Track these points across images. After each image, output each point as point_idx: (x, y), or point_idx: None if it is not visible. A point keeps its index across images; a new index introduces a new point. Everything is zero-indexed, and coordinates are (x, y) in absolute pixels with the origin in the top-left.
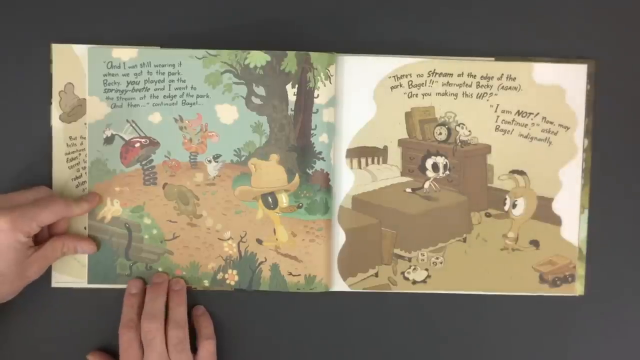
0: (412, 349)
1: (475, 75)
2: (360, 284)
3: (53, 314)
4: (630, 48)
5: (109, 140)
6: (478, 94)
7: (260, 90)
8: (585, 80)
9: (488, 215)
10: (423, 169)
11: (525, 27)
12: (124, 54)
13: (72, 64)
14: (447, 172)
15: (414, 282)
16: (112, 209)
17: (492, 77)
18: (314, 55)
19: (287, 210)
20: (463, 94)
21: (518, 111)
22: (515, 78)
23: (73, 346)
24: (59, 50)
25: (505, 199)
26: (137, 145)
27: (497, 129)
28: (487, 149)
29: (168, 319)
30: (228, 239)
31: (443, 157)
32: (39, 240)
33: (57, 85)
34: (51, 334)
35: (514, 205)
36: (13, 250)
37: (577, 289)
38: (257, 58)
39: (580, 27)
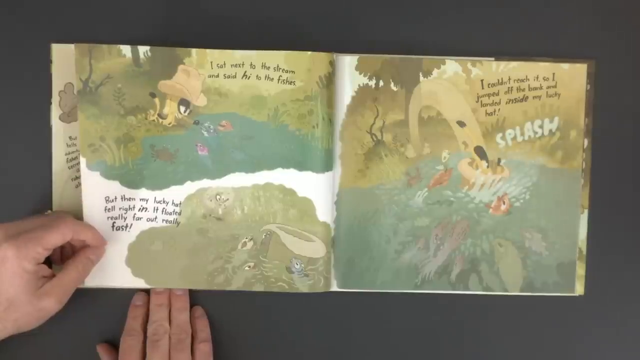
0: (411, 349)
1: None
2: None
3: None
4: (630, 48)
5: None
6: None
7: None
8: (585, 80)
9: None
10: None
11: (525, 27)
12: None
13: (72, 64)
14: None
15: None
16: None
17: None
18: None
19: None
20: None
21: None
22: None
23: (72, 346)
24: (59, 50)
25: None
26: None
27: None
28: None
29: (171, 322)
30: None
31: None
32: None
33: (57, 85)
34: (50, 334)
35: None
36: (20, 278)
37: (577, 289)
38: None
39: (580, 27)
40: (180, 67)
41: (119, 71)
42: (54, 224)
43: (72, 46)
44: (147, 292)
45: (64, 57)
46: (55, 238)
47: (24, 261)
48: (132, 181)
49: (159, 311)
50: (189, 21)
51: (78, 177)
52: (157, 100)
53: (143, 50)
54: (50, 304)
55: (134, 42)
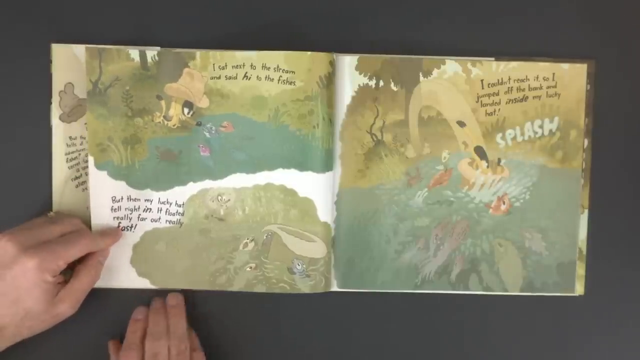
0: (411, 349)
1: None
2: None
3: None
4: (630, 48)
5: None
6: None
7: None
8: (585, 80)
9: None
10: None
11: (525, 27)
12: None
13: (72, 64)
14: None
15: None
16: None
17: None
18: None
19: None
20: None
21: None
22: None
23: (76, 346)
24: (59, 50)
25: None
26: None
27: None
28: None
29: (169, 332)
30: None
31: None
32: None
33: (57, 85)
34: (54, 334)
35: None
36: (39, 288)
37: (577, 289)
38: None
39: (580, 27)
40: (186, 70)
41: (127, 74)
42: (76, 239)
43: (72, 46)
44: (150, 297)
45: (64, 57)
46: (77, 253)
47: (45, 273)
48: (137, 182)
49: (156, 324)
50: (188, 23)
51: (78, 177)
52: (163, 102)
53: (151, 54)
54: (65, 309)
55: (133, 42)
